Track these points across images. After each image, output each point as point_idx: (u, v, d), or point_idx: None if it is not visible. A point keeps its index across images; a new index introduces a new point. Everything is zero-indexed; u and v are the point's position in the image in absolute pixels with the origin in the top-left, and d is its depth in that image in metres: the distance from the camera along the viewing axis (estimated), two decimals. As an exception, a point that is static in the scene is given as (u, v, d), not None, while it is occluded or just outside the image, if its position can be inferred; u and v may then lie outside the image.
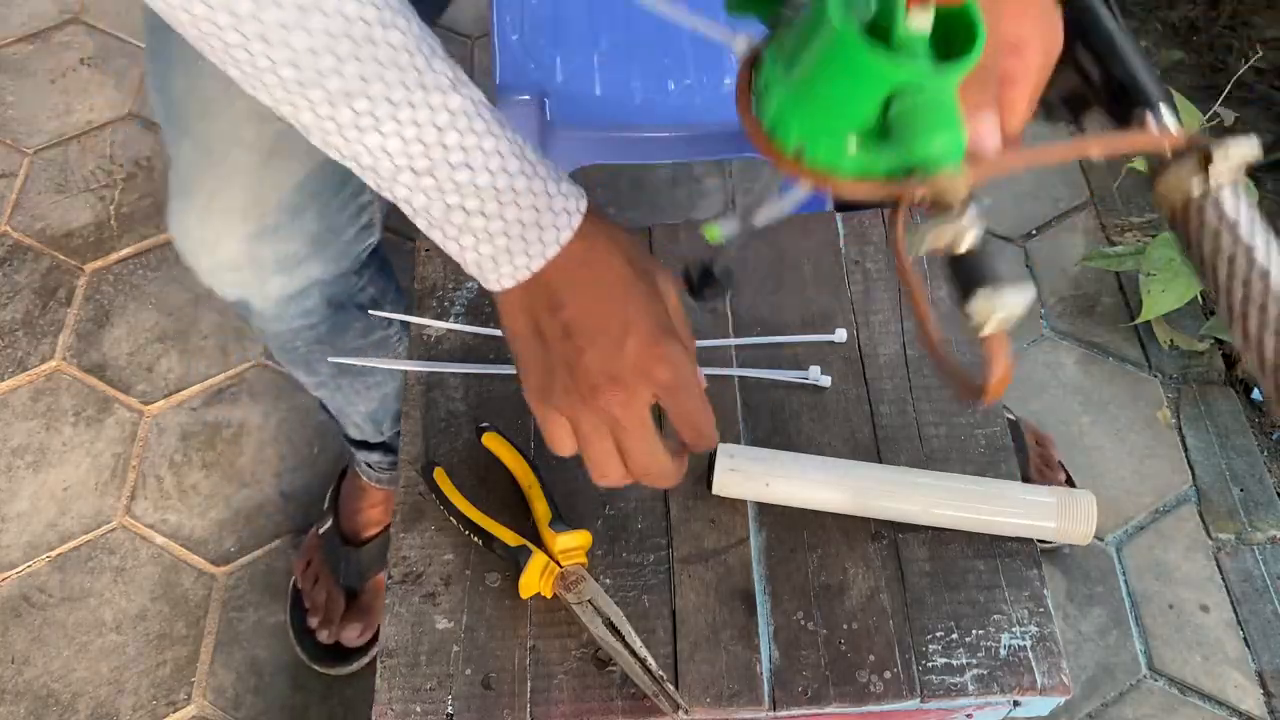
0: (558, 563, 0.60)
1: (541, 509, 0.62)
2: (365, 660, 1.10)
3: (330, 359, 0.86)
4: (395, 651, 0.60)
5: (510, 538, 0.61)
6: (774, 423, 0.67)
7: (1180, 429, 1.23)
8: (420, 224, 0.49)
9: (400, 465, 0.67)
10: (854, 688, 0.58)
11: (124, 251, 1.44)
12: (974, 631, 0.60)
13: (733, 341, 0.71)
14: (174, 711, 1.09)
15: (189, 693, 1.10)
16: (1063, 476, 1.15)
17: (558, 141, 0.95)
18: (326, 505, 1.16)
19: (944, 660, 0.59)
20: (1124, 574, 1.14)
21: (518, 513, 0.64)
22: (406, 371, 0.71)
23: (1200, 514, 1.18)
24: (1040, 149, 0.41)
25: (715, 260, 0.53)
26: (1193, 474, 1.20)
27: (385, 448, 1.04)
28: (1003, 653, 0.59)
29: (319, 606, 1.10)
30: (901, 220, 0.39)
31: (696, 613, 0.61)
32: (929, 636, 0.60)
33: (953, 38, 0.38)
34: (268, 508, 1.22)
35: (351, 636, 1.09)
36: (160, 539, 1.20)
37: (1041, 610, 0.61)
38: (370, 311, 0.80)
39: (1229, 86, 1.37)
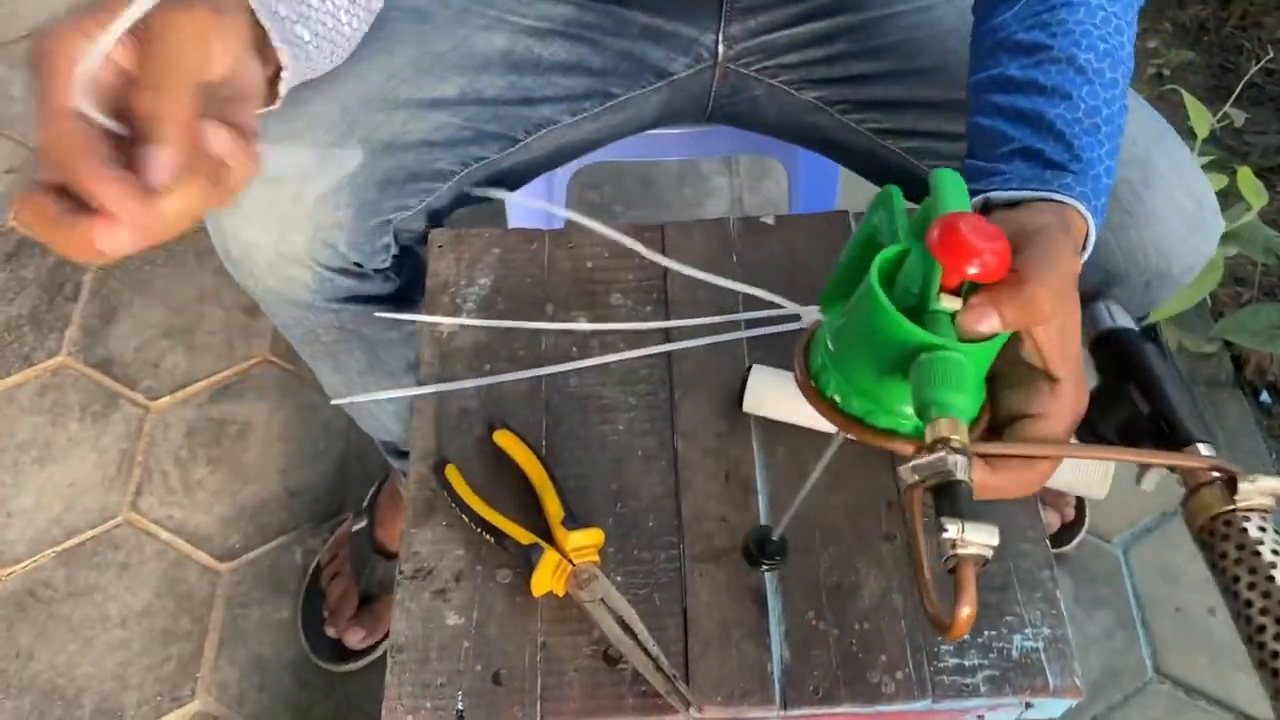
0: (570, 560, 0.60)
1: (553, 507, 0.62)
2: (364, 661, 1.10)
3: (333, 401, 0.86)
4: (406, 647, 0.60)
5: (522, 535, 0.61)
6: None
7: (1188, 431, 1.22)
8: None
9: (412, 461, 0.66)
10: (865, 688, 0.58)
11: (130, 247, 1.44)
12: (986, 633, 0.60)
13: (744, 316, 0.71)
14: (178, 707, 1.09)
15: (193, 688, 1.10)
16: (1072, 501, 1.16)
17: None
18: (365, 505, 1.16)
19: (956, 661, 0.59)
20: (1131, 576, 1.14)
21: (529, 510, 0.64)
22: (419, 368, 0.71)
23: (1208, 517, 1.18)
24: (1079, 447, 0.49)
25: (770, 531, 0.58)
26: (1200, 476, 1.20)
27: None
28: (1015, 654, 0.59)
29: (333, 600, 1.10)
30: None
31: (708, 611, 0.61)
32: (941, 637, 0.59)
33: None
34: (273, 504, 1.22)
35: (354, 639, 1.09)
36: (165, 535, 1.20)
37: (1054, 612, 0.60)
38: (377, 314, 0.79)
39: (1239, 87, 1.37)
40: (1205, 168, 0.99)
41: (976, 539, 0.41)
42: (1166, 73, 1.59)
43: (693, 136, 0.99)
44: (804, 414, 0.65)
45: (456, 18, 0.78)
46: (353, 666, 1.10)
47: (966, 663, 0.59)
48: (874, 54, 0.82)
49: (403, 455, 1.03)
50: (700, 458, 0.66)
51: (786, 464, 0.66)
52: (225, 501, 1.22)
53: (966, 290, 0.45)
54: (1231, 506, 0.43)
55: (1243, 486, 0.43)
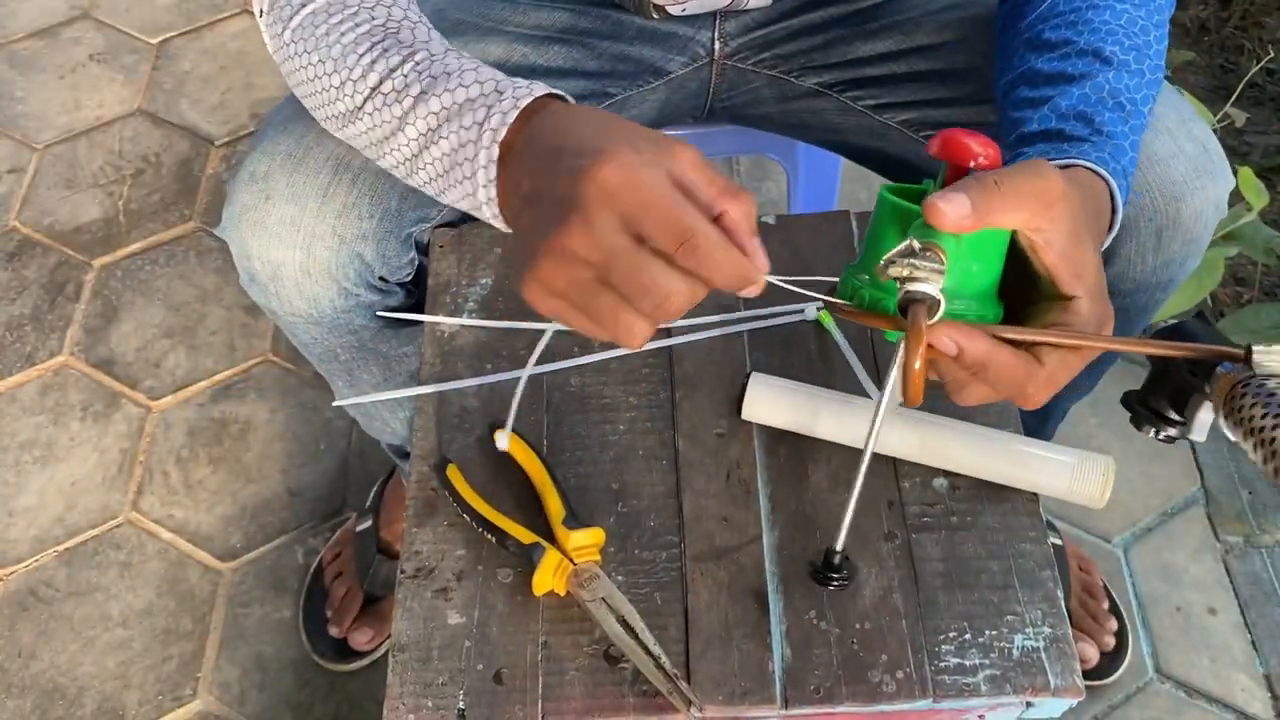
0: (571, 560, 0.60)
1: (554, 506, 0.62)
2: (365, 661, 1.10)
3: (335, 403, 0.87)
4: (407, 646, 0.60)
5: (523, 534, 0.61)
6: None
7: (1189, 431, 1.22)
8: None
9: (413, 461, 0.67)
10: (866, 687, 0.58)
11: (132, 247, 1.44)
12: (987, 632, 0.60)
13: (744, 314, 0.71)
14: (179, 706, 1.09)
15: (194, 688, 1.10)
16: (1107, 605, 1.09)
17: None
18: (369, 505, 1.16)
19: (957, 660, 0.59)
20: (1131, 576, 1.14)
21: (531, 510, 0.64)
22: (420, 366, 0.71)
23: (1208, 516, 1.18)
24: (1095, 337, 0.51)
25: (834, 550, 0.58)
26: (1201, 476, 1.20)
27: None
28: (1016, 654, 0.59)
29: (336, 600, 1.10)
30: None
31: (709, 610, 0.61)
32: (942, 637, 0.60)
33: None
34: (274, 504, 1.22)
35: (360, 640, 1.09)
36: (167, 534, 1.20)
37: (1055, 611, 0.60)
38: (379, 314, 0.80)
39: (1240, 87, 1.37)
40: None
41: (927, 269, 0.46)
42: (1167, 73, 1.59)
43: (693, 138, 0.99)
44: (801, 422, 0.65)
45: (453, 28, 0.78)
46: (354, 666, 1.10)
47: (967, 662, 0.59)
48: (872, 35, 0.82)
49: (406, 455, 1.03)
50: (701, 457, 0.66)
51: (787, 464, 0.66)
52: (226, 501, 1.22)
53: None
54: (1250, 374, 0.48)
55: (1257, 355, 0.48)
